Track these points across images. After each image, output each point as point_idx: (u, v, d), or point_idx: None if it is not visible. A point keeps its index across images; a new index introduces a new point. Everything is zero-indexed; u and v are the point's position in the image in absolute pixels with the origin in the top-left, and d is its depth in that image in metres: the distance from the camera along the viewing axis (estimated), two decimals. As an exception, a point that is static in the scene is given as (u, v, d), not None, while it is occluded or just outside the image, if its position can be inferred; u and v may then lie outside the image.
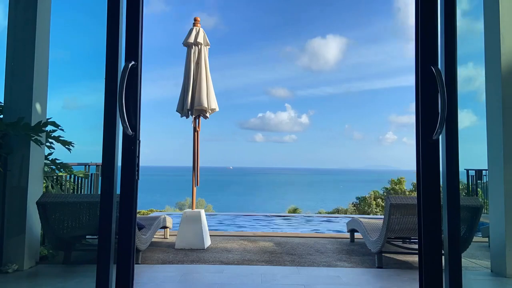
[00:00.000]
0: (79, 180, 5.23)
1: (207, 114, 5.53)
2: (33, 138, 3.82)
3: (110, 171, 2.29)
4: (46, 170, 4.32)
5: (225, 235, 6.25)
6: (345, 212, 24.39)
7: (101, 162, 2.31)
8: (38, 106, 3.98)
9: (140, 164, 2.39)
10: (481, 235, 5.33)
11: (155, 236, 5.68)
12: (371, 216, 12.95)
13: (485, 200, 6.19)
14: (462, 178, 6.86)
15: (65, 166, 4.57)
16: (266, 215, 10.89)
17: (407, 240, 4.76)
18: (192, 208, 5.58)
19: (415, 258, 4.54)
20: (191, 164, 5.54)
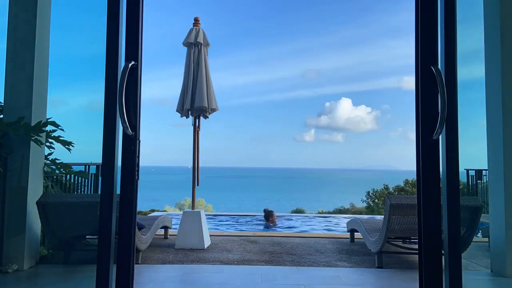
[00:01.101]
0: (79, 180, 5.22)
1: (207, 114, 5.54)
2: (33, 138, 3.82)
3: (110, 171, 2.29)
4: (46, 170, 4.32)
5: (225, 235, 6.25)
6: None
7: (101, 162, 2.31)
8: (38, 106, 3.98)
9: (142, 164, 2.39)
10: (481, 235, 5.33)
11: (155, 236, 5.67)
12: (371, 216, 12.91)
13: (485, 200, 6.18)
14: (462, 178, 6.85)
15: (65, 166, 4.56)
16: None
17: (407, 240, 4.75)
18: (192, 208, 5.58)
19: (415, 258, 4.54)
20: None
